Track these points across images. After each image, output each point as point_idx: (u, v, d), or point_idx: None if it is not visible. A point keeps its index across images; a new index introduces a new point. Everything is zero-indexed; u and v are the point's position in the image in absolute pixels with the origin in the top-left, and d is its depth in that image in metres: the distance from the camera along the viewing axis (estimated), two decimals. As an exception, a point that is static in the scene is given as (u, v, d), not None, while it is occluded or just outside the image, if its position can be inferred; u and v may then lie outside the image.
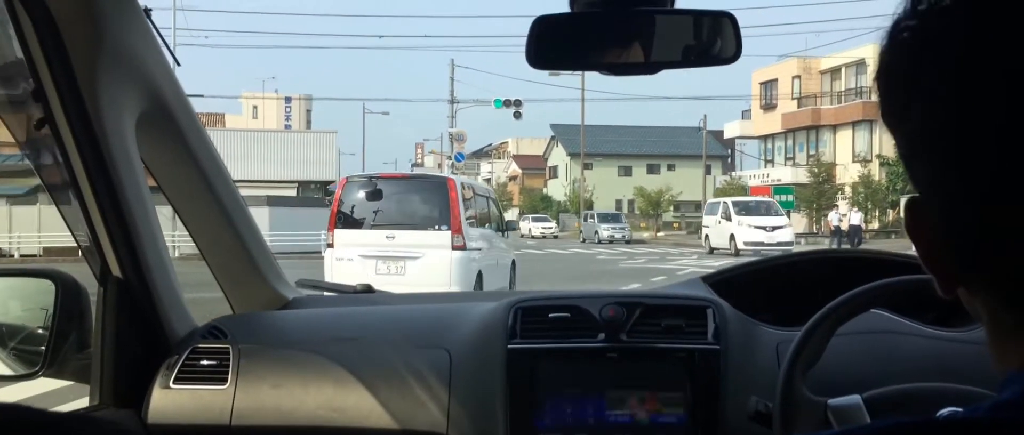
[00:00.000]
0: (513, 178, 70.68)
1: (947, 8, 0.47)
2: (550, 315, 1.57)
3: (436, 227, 10.32)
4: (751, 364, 1.50)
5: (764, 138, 43.97)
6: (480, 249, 10.92)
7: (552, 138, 62.99)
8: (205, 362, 1.62)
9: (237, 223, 1.78)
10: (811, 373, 1.27)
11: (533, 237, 39.75)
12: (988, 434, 0.45)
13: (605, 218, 38.21)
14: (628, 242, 35.09)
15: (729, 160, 54.05)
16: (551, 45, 1.17)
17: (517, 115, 28.19)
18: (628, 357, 1.52)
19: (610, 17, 1.18)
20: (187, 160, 1.66)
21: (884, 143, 36.62)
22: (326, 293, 2.14)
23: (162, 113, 1.57)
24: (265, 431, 1.58)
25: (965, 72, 0.45)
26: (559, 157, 59.99)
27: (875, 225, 34.16)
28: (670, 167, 57.46)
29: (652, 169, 56.82)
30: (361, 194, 10.67)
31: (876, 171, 34.98)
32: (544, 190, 61.74)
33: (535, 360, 1.52)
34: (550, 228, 41.77)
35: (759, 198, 28.83)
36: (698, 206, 40.12)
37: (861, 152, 37.34)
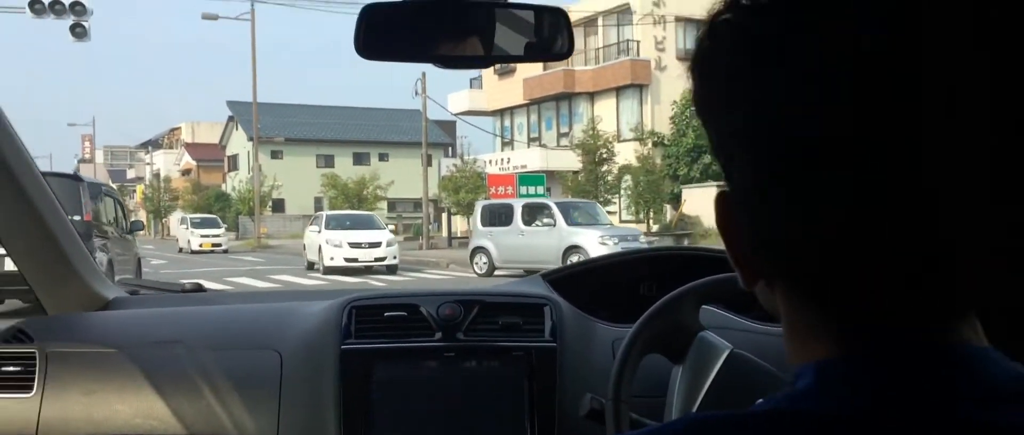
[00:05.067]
0: (186, 172, 56.08)
1: (765, 6, 0.47)
2: (386, 314, 1.55)
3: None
4: (587, 362, 1.50)
5: (500, 113, 33.95)
6: None
7: (230, 119, 49.41)
8: (7, 368, 1.52)
9: (44, 215, 1.64)
10: (645, 367, 1.25)
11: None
12: (782, 425, 0.46)
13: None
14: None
15: (450, 150, 44.00)
16: (381, 35, 1.14)
17: (78, 32, 15.39)
18: (465, 356, 1.51)
19: (441, 8, 1.17)
20: None
21: (657, 116, 27.76)
22: (152, 292, 2.00)
23: None
24: None
25: (777, 72, 0.45)
26: (240, 143, 46.71)
27: (654, 226, 25.04)
28: (383, 157, 46.53)
29: (360, 159, 45.49)
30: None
31: (649, 151, 25.90)
32: (223, 186, 48.14)
33: (370, 360, 1.49)
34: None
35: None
36: (417, 204, 29.15)
37: (631, 125, 28.18)
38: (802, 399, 0.47)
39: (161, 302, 1.90)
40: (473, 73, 36.07)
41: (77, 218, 9.86)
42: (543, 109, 31.84)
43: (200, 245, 29.66)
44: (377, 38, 1.14)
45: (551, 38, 1.19)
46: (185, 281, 2.03)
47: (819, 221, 0.45)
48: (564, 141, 30.24)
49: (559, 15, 1.20)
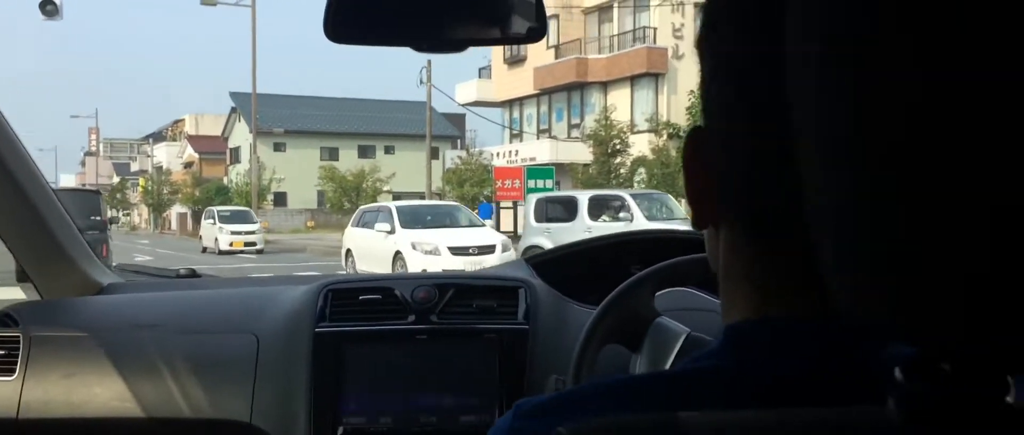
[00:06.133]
0: (189, 165, 54.97)
1: None
2: (361, 297, 1.56)
3: None
4: (559, 344, 1.48)
5: (509, 104, 32.57)
6: None
7: (232, 111, 48.27)
8: None
9: (37, 201, 1.66)
10: (616, 350, 1.26)
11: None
12: (686, 384, 0.48)
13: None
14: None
15: (459, 142, 42.66)
16: (352, 17, 1.12)
17: (49, 10, 14.28)
18: (438, 339, 1.51)
19: None
20: None
21: (673, 107, 26.32)
22: (147, 278, 2.04)
23: None
24: (55, 424, 1.53)
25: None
26: (242, 135, 45.48)
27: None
28: (389, 149, 45.30)
29: (365, 152, 44.19)
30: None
31: (664, 143, 24.46)
32: (224, 179, 46.96)
33: (343, 343, 1.50)
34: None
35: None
36: (422, 197, 27.84)
37: (646, 116, 26.69)
38: (709, 357, 0.49)
39: (153, 287, 1.92)
40: (482, 62, 34.82)
41: (98, 219, 12.64)
42: (554, 99, 30.44)
43: (230, 244, 24.26)
44: (347, 20, 1.11)
45: (525, 20, 1.16)
46: (180, 267, 2.06)
47: (782, 165, 0.45)
48: (575, 133, 28.87)
49: None
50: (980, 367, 0.37)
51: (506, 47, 30.50)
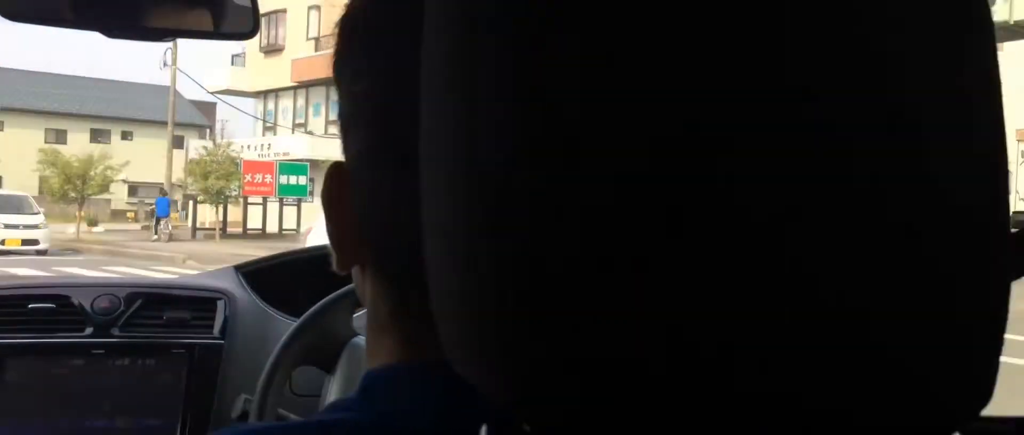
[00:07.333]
0: None
1: None
2: (30, 305, 1.43)
3: None
4: (258, 361, 1.36)
5: (264, 95, 30.92)
6: None
7: (-63, 81, 42.32)
8: None
9: None
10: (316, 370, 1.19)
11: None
12: None
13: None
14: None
15: (208, 132, 40.12)
16: None
17: None
18: (119, 354, 1.41)
19: None
20: None
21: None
22: None
23: None
24: None
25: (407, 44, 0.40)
26: (-53, 110, 39.97)
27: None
28: (126, 135, 41.71)
29: (98, 136, 40.35)
30: None
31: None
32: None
33: (3, 358, 1.37)
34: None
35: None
36: (163, 189, 25.70)
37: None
38: (346, 408, 0.45)
39: None
40: (236, 49, 32.84)
41: None
42: (312, 93, 29.24)
43: (3, 242, 17.94)
44: None
45: (235, 16, 1.09)
46: None
47: (409, 201, 0.40)
48: (333, 129, 27.83)
49: None
50: None
51: (262, 35, 29.03)
